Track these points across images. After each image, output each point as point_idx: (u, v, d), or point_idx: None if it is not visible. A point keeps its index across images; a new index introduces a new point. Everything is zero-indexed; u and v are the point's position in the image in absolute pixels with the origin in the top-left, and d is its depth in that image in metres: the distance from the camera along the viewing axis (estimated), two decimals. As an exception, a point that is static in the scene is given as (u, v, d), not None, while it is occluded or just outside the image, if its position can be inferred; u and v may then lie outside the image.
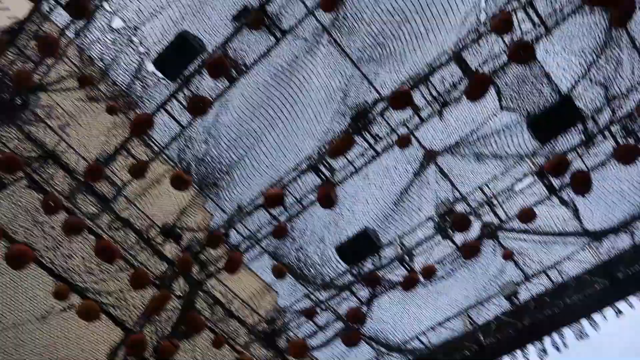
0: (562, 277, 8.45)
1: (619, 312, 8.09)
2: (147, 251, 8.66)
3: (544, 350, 8.40)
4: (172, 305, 8.26)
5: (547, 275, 8.50)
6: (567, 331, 8.44)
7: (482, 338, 8.85)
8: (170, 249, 8.55)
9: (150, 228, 8.62)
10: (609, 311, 8.28)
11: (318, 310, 8.89)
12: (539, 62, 5.86)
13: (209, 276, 8.68)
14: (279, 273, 8.27)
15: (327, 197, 6.72)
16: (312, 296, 8.79)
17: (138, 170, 7.56)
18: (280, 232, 7.49)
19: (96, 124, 7.97)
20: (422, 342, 9.19)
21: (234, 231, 8.26)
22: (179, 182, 7.44)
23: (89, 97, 7.52)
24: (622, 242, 8.09)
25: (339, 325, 9.14)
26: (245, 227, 8.10)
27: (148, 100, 7.15)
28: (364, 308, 8.17)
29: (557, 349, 8.29)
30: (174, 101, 7.05)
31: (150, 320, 7.75)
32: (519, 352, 8.64)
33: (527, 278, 8.56)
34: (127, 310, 7.58)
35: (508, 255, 8.15)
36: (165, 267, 8.41)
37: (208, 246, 8.20)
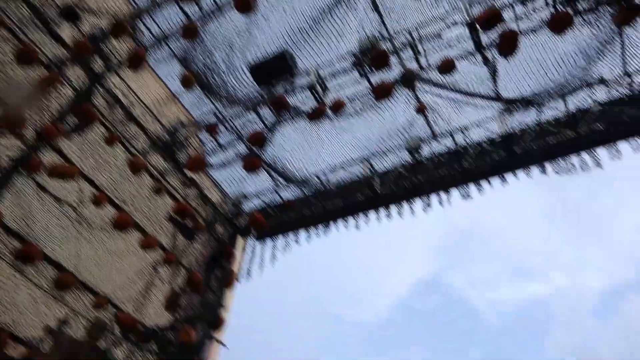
0: (465, 141, 8.63)
1: (504, 180, 8.51)
2: (41, 30, 7.76)
3: (429, 205, 8.85)
4: (64, 94, 7.68)
5: (452, 137, 8.65)
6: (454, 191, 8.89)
7: (377, 186, 9.12)
8: (69, 34, 7.70)
9: (47, 4, 7.63)
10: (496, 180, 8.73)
11: (221, 128, 8.65)
12: None
13: (110, 70, 8.01)
14: (186, 82, 7.77)
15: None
16: (217, 112, 8.47)
17: None
18: (190, 32, 6.82)
19: None
20: (319, 180, 9.36)
21: (141, 25, 7.49)
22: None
23: None
24: (529, 116, 8.26)
25: (241, 148, 9.02)
26: (154, 22, 7.35)
27: None
28: (267, 132, 7.99)
29: (441, 204, 8.75)
30: None
31: (35, 101, 7.16)
32: (406, 203, 9.06)
33: (434, 136, 8.67)
34: (6, 84, 6.91)
35: (421, 109, 8.08)
36: (60, 50, 7.62)
37: (112, 35, 7.43)
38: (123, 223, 7.83)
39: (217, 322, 9.25)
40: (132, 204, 8.48)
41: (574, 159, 8.47)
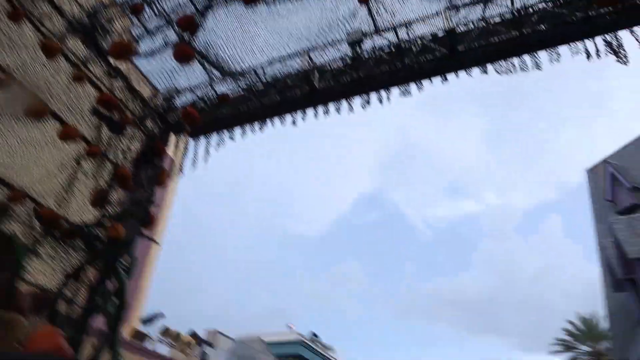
0: (408, 36, 8.27)
1: (445, 79, 8.34)
2: None
3: (368, 102, 8.60)
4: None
5: (395, 32, 8.26)
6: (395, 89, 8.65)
7: (315, 81, 8.72)
8: None
9: None
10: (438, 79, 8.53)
11: (149, 12, 7.85)
12: None
13: None
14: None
15: None
16: (142, -8, 7.63)
17: None
18: None
19: None
20: (256, 73, 8.85)
21: None
22: None
23: None
24: (474, 13, 7.96)
25: (172, 36, 8.28)
26: None
27: None
28: (199, 17, 7.30)
29: (381, 102, 8.53)
30: None
31: None
32: (345, 100, 8.77)
33: (376, 30, 8.25)
34: None
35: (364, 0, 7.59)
36: None
37: None
38: (37, 111, 7.18)
39: (147, 219, 8.95)
40: (48, 91, 7.74)
41: (515, 60, 8.32)
